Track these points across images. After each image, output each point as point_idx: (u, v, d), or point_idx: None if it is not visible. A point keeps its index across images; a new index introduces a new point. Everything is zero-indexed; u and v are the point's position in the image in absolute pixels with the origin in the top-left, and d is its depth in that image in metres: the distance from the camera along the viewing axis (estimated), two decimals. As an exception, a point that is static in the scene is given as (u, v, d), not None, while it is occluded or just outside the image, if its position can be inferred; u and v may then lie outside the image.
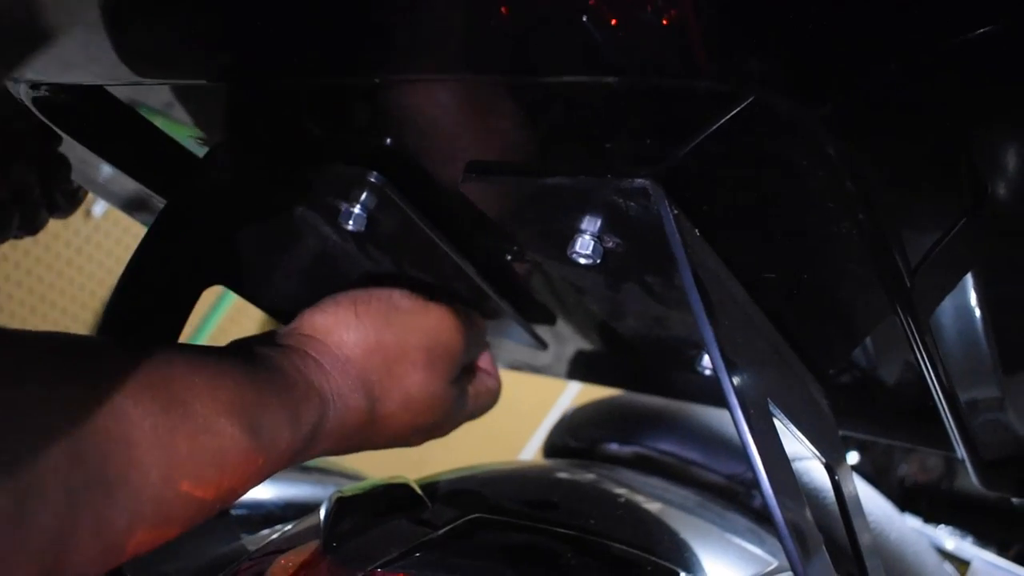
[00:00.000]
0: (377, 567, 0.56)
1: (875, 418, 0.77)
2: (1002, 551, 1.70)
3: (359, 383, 0.59)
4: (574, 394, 3.37)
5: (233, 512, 0.79)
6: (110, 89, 0.63)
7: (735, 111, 0.38)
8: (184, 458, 0.46)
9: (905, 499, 2.06)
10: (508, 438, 3.31)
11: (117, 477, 0.43)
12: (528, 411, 3.37)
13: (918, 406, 0.74)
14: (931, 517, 1.78)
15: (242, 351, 0.56)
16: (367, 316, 0.62)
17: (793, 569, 0.41)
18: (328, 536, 0.59)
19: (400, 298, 0.64)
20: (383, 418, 0.61)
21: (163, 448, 0.45)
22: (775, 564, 0.72)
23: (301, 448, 0.55)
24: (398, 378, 0.61)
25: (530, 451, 3.39)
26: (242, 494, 0.52)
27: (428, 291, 0.67)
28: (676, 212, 0.45)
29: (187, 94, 0.61)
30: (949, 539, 1.51)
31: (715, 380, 0.66)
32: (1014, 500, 2.67)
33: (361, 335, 0.60)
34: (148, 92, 0.62)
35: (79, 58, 0.54)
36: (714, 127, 0.40)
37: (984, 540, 1.70)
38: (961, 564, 1.46)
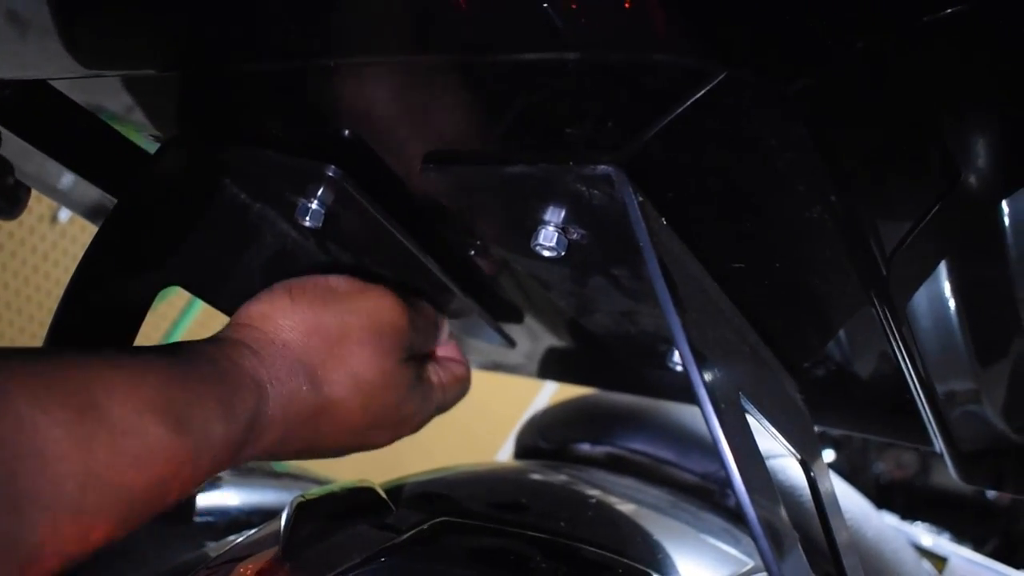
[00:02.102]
0: (337, 574, 0.54)
1: (850, 412, 0.75)
2: (978, 547, 1.70)
3: (300, 366, 0.57)
4: (549, 396, 3.36)
5: (197, 519, 0.78)
6: (55, 84, 0.61)
7: (704, 90, 0.37)
8: (104, 464, 0.43)
9: (881, 496, 2.07)
10: (483, 441, 3.30)
11: (27, 493, 0.40)
12: (503, 413, 3.36)
13: (894, 400, 0.72)
14: (907, 514, 1.78)
15: (170, 347, 0.53)
16: (303, 299, 0.60)
17: (768, 569, 0.40)
18: (287, 542, 0.57)
19: (337, 281, 0.62)
20: (332, 404, 0.58)
21: (79, 456, 0.42)
22: (751, 564, 0.71)
23: (240, 440, 0.52)
24: (342, 359, 0.59)
25: (505, 454, 3.38)
26: (185, 492, 0.49)
27: (377, 280, 0.65)
28: (641, 199, 0.43)
29: (135, 86, 0.59)
30: (926, 536, 1.50)
31: (687, 376, 0.65)
32: (989, 495, 2.69)
33: (298, 318, 0.58)
34: (93, 86, 0.60)
35: (19, 50, 0.52)
36: (681, 108, 0.38)
37: (960, 536, 1.70)
38: (938, 561, 1.45)
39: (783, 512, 0.43)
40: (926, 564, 1.12)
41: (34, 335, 2.12)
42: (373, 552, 0.56)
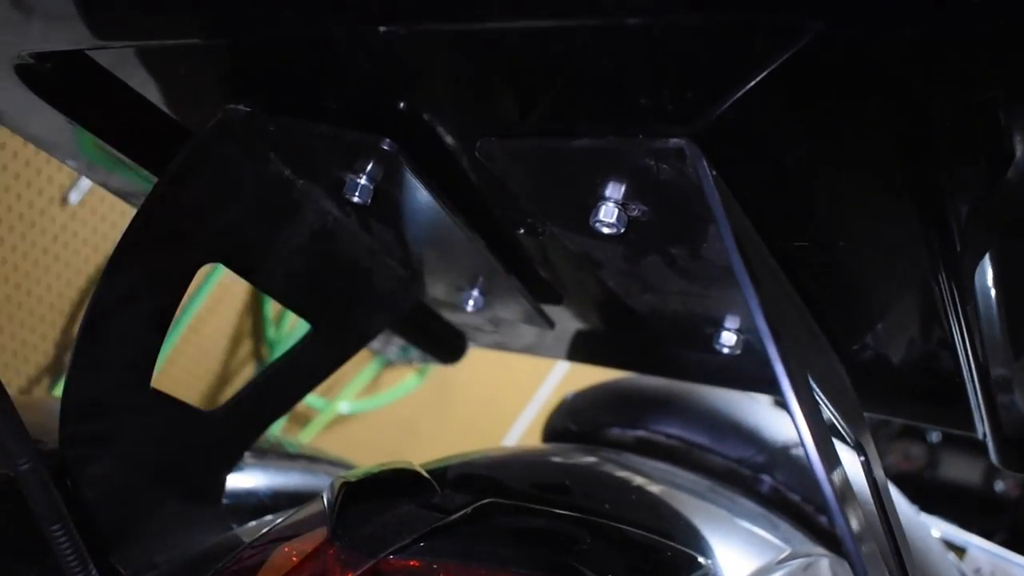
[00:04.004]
0: (389, 554, 0.53)
1: (890, 397, 0.75)
2: (986, 539, 1.70)
3: None
4: (554, 384, 3.37)
5: (224, 501, 0.77)
6: (97, 58, 0.60)
7: (793, 50, 0.35)
8: None
9: (890, 488, 2.06)
10: (487, 431, 3.30)
11: None
12: (507, 404, 3.36)
13: (934, 385, 0.72)
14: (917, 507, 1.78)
15: None
16: None
17: (847, 548, 0.39)
18: (336, 523, 0.56)
19: None
20: None
21: None
22: (788, 551, 0.70)
23: None
24: None
25: (510, 441, 3.38)
26: None
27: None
28: (715, 173, 0.42)
29: (178, 57, 0.58)
30: (943, 526, 1.51)
31: (730, 359, 0.64)
32: (996, 488, 2.69)
33: None
34: (135, 58, 0.59)
35: (60, 21, 0.51)
36: (765, 72, 0.37)
37: (968, 528, 1.70)
38: (956, 551, 1.45)
39: (854, 492, 0.43)
40: (950, 554, 1.12)
41: (43, 317, 2.12)
42: (423, 532, 0.55)
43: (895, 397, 0.74)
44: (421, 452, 0.77)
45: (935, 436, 2.76)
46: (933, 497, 2.66)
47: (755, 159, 0.45)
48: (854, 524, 0.40)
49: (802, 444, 0.39)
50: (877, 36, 0.34)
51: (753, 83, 0.38)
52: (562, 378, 3.37)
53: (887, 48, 0.34)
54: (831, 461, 0.40)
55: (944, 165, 0.41)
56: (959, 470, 2.72)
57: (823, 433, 0.41)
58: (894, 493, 0.95)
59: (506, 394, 3.31)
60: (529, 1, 0.38)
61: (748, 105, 0.39)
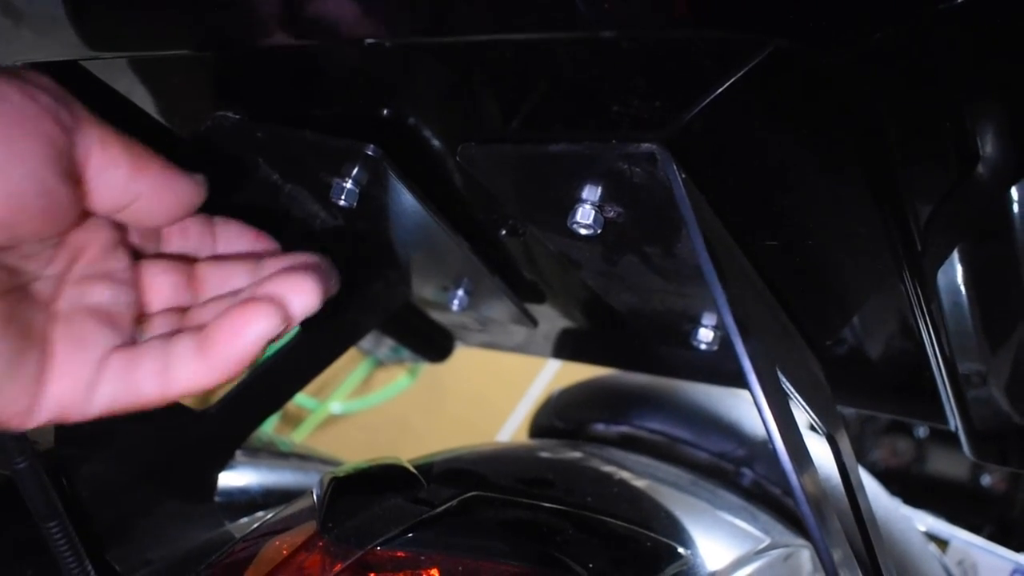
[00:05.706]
0: (376, 546, 0.55)
1: (865, 391, 0.76)
2: (974, 533, 1.72)
3: None
4: (545, 383, 3.38)
5: (216, 499, 0.78)
6: (89, 68, 0.62)
7: (751, 64, 0.37)
8: None
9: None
10: (480, 427, 3.31)
11: None
12: (498, 402, 3.37)
13: (907, 378, 0.73)
14: (903, 501, 1.80)
15: None
16: None
17: (812, 536, 0.41)
18: (325, 516, 0.58)
19: None
20: None
21: None
22: (767, 541, 0.72)
23: None
24: None
25: (502, 439, 3.39)
26: None
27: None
28: (684, 176, 0.44)
29: (169, 68, 0.59)
30: (927, 520, 1.52)
31: (709, 355, 0.66)
32: (984, 483, 2.71)
33: None
34: (127, 69, 0.60)
35: (51, 32, 0.52)
36: (726, 84, 0.39)
37: (956, 523, 1.71)
38: (939, 544, 1.46)
39: (821, 482, 0.44)
40: (932, 547, 1.13)
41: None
42: (409, 525, 0.57)
43: (871, 391, 0.76)
44: (413, 451, 0.79)
45: (922, 431, 2.77)
46: (921, 492, 2.67)
47: (724, 162, 0.46)
48: (823, 518, 0.42)
49: (769, 437, 0.40)
50: (835, 50, 0.36)
51: (719, 91, 0.40)
52: (553, 376, 3.39)
53: (846, 58, 0.36)
54: (799, 454, 0.42)
55: (904, 169, 0.43)
56: (946, 465, 2.74)
57: (791, 426, 0.43)
58: (872, 485, 0.97)
59: (498, 392, 3.32)
60: (509, 16, 0.39)
61: (716, 111, 0.41)
